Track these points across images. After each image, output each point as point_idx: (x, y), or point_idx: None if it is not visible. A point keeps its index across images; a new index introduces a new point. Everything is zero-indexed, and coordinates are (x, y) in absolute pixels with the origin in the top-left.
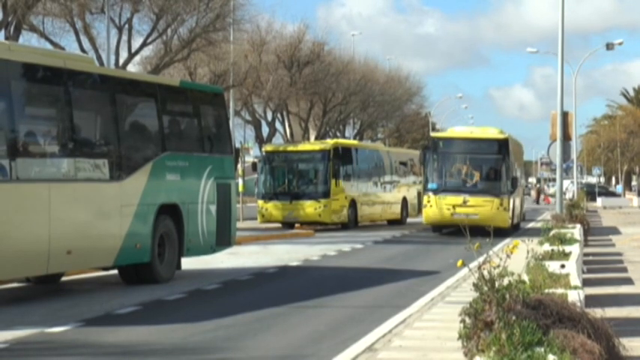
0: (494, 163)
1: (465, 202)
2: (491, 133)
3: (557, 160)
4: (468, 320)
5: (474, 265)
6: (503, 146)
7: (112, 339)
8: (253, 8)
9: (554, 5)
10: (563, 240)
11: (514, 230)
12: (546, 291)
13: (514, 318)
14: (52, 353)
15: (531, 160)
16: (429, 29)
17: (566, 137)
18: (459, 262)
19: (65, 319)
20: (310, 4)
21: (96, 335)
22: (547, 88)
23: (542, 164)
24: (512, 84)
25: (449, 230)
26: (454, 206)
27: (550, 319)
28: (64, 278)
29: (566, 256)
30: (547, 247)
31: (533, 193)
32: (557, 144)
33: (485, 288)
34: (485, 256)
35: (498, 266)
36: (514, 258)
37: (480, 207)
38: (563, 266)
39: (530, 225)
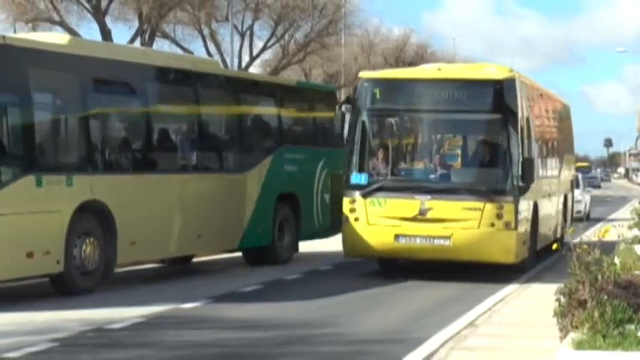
0: (486, 130)
1: (423, 211)
2: (484, 72)
3: None
4: (562, 299)
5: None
6: (504, 94)
7: (238, 314)
8: (362, 14)
9: None
10: None
11: (539, 261)
12: (636, 272)
13: (606, 297)
14: (186, 327)
15: (620, 151)
16: (529, 31)
17: None
18: (555, 245)
19: (196, 296)
20: (416, 9)
21: (224, 311)
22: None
23: (630, 155)
24: (605, 81)
25: (401, 264)
26: (402, 220)
27: None
28: (194, 260)
29: None
30: (636, 231)
31: None
32: None
33: (579, 269)
34: (579, 239)
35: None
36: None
37: (456, 222)
38: None
39: (591, 231)
